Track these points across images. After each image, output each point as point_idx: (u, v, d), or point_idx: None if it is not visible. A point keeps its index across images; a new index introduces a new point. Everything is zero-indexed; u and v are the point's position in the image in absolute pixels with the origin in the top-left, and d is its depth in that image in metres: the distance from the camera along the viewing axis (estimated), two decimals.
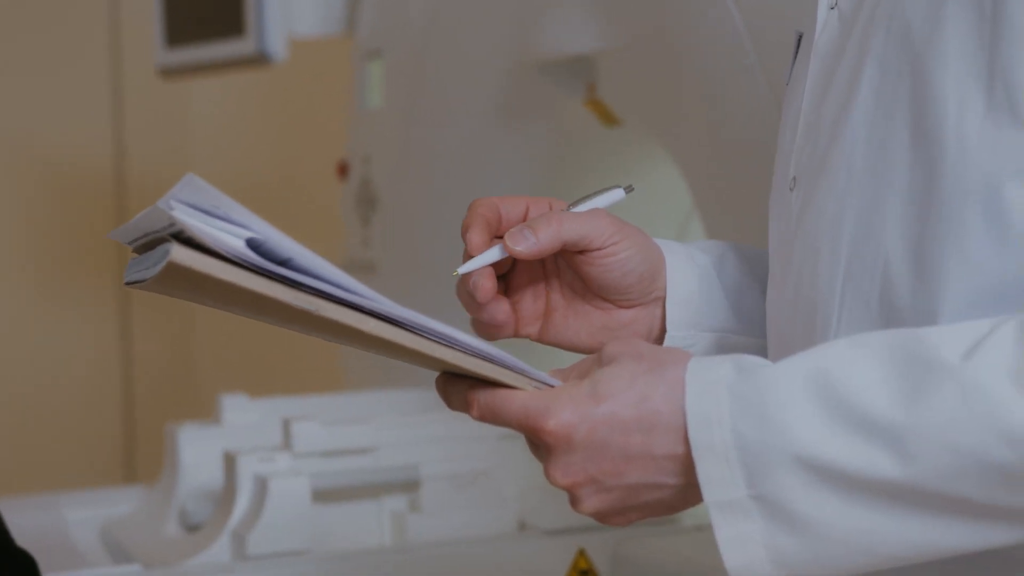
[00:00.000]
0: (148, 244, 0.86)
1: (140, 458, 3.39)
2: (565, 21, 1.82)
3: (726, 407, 0.86)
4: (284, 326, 0.91)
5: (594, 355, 0.93)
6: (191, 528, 1.74)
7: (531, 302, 1.07)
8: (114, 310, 3.38)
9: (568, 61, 1.85)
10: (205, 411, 1.88)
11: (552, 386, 0.92)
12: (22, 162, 3.31)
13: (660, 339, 1.07)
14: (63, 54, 3.32)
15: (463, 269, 1.02)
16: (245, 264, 0.84)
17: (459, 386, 0.94)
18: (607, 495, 0.90)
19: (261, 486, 1.60)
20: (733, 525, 0.87)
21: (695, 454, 0.87)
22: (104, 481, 3.20)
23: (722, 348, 1.09)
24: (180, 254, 0.82)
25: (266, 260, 0.84)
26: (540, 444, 0.91)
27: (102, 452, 3.38)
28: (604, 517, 0.91)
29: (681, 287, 1.07)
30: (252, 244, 0.84)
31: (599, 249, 1.03)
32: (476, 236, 1.02)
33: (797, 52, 1.08)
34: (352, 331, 0.88)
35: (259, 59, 2.30)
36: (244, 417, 1.81)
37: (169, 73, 2.50)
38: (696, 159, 1.67)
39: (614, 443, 0.88)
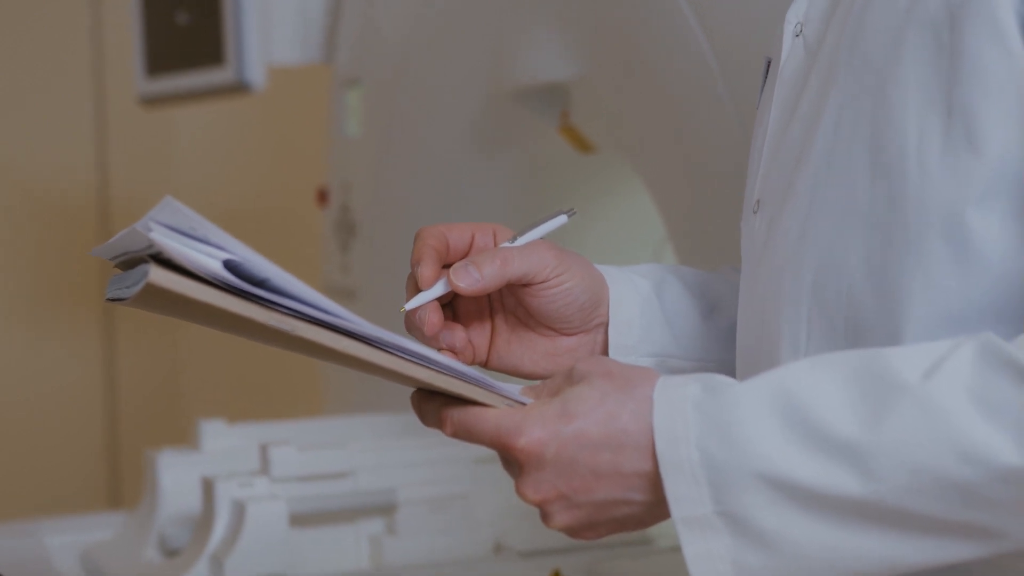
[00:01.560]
0: (129, 262, 0.88)
1: (124, 483, 3.40)
2: (539, 49, 1.84)
3: (692, 425, 0.88)
4: (263, 343, 0.93)
5: (564, 373, 0.95)
6: (170, 553, 1.75)
7: (477, 330, 1.09)
8: (98, 335, 3.39)
9: (542, 88, 1.88)
10: (189, 435, 1.89)
11: (523, 404, 0.94)
12: (6, 189, 3.32)
13: None
14: (46, 81, 3.34)
15: (410, 306, 1.04)
16: (222, 285, 0.86)
17: (433, 403, 0.96)
18: (577, 511, 0.92)
19: (239, 511, 1.61)
20: (700, 541, 0.89)
21: (663, 471, 0.89)
22: (88, 506, 3.21)
23: (662, 372, 1.11)
24: (158, 275, 0.84)
25: (243, 281, 0.86)
26: (512, 461, 0.93)
27: (86, 477, 3.39)
28: (574, 532, 0.93)
29: (622, 314, 1.09)
30: (229, 265, 0.85)
31: (543, 282, 1.05)
32: (427, 270, 1.03)
33: (766, 77, 1.11)
34: (328, 350, 0.90)
35: (239, 88, 2.32)
36: (222, 442, 1.82)
37: (150, 102, 2.52)
38: (668, 185, 1.70)
39: (583, 460, 0.90)
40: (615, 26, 1.71)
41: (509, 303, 1.08)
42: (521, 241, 1.06)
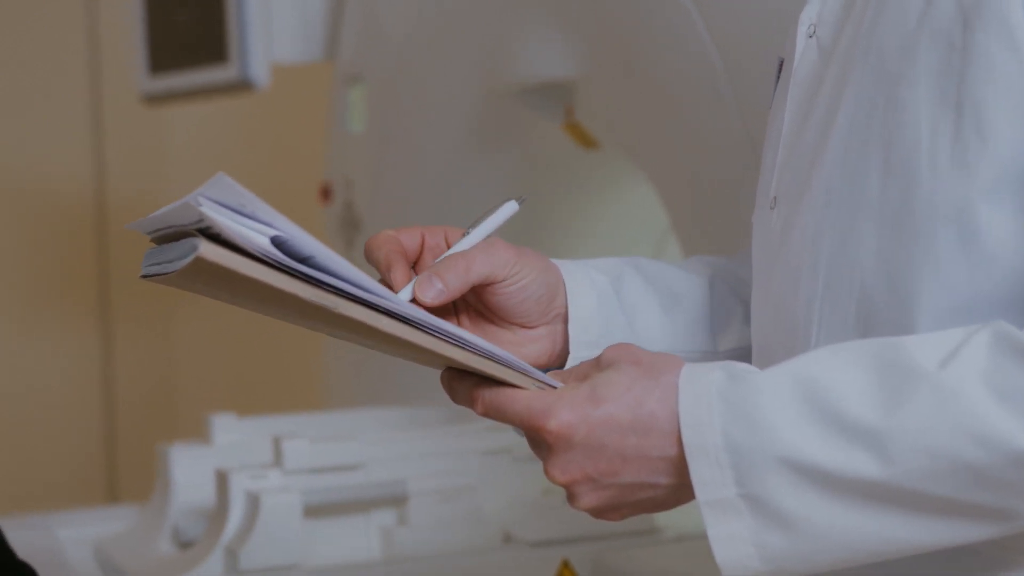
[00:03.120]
0: (167, 237, 0.89)
1: (122, 478, 3.42)
2: (543, 47, 1.86)
3: (717, 411, 0.91)
4: (301, 322, 0.95)
5: (593, 359, 0.98)
6: (183, 545, 1.77)
7: None
8: (95, 331, 3.41)
9: (546, 85, 1.90)
10: (186, 430, 1.91)
11: (554, 387, 0.96)
12: (3, 187, 3.33)
13: (563, 354, 1.11)
14: (42, 80, 3.35)
15: None
16: (269, 261, 0.87)
17: (465, 383, 0.99)
18: (603, 492, 0.94)
19: (253, 502, 1.64)
20: (724, 523, 0.91)
21: (688, 456, 0.91)
22: (87, 501, 3.23)
23: None
24: (208, 250, 0.85)
25: (289, 258, 0.87)
26: (541, 442, 0.95)
27: (85, 472, 3.40)
28: (599, 513, 0.96)
29: (581, 308, 1.11)
30: (276, 242, 0.87)
31: (502, 281, 1.06)
32: (399, 274, 1.04)
33: (779, 77, 1.13)
34: (367, 328, 0.92)
35: (242, 85, 2.34)
36: (233, 436, 1.84)
37: (152, 100, 2.54)
38: (671, 180, 1.72)
39: (611, 444, 0.93)
40: (619, 23, 1.73)
41: (470, 298, 1.10)
42: (473, 234, 1.07)
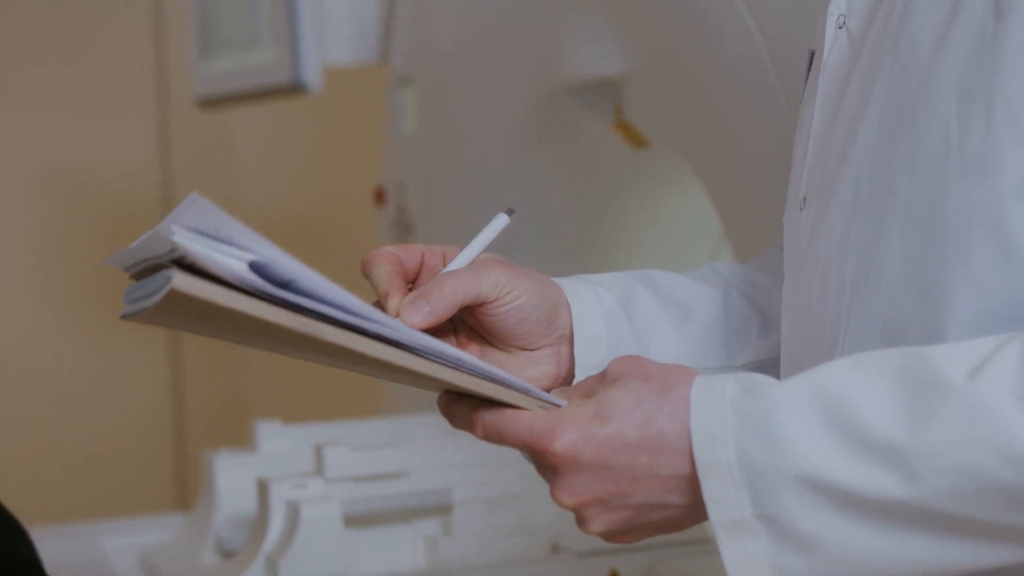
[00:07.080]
0: (147, 271, 0.85)
1: (191, 485, 3.42)
2: (591, 44, 1.83)
3: (731, 427, 0.87)
4: (292, 352, 0.91)
5: (598, 374, 0.94)
6: (227, 555, 1.75)
7: None
8: (164, 336, 3.41)
9: (595, 84, 1.86)
10: (246, 437, 1.89)
11: (558, 405, 0.92)
12: (71, 192, 3.35)
13: (570, 377, 1.07)
14: (109, 85, 3.36)
15: None
16: (247, 289, 0.82)
17: (464, 406, 0.95)
18: (614, 515, 0.91)
19: (293, 512, 1.61)
20: (739, 544, 0.87)
21: (700, 474, 0.87)
22: (156, 508, 3.23)
23: None
24: (183, 282, 0.80)
25: (268, 283, 0.83)
26: (546, 465, 0.91)
27: (154, 481, 3.41)
28: (611, 536, 0.92)
29: (588, 331, 1.06)
30: (254, 267, 0.82)
31: (495, 300, 1.02)
32: (397, 302, 1.00)
33: (809, 70, 1.09)
34: (356, 354, 0.88)
35: (295, 89, 2.32)
36: (278, 444, 1.82)
37: (207, 104, 2.53)
38: (722, 179, 1.68)
39: (620, 464, 0.89)
40: (667, 20, 1.70)
41: (469, 320, 1.06)
42: (465, 252, 1.04)
